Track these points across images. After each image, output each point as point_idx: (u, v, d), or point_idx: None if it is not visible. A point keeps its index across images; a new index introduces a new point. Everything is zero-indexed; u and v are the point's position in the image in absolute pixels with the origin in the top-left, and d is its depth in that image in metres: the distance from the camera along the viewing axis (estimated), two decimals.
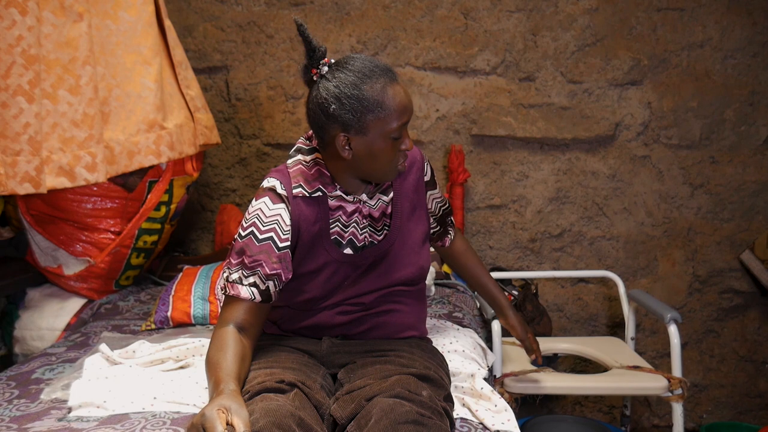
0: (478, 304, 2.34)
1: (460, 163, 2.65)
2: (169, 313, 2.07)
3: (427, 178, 1.54)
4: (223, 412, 1.04)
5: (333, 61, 1.32)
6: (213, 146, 2.59)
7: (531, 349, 1.75)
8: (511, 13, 2.65)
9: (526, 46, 2.66)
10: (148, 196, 2.28)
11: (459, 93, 2.71)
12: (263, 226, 1.33)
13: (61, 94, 1.93)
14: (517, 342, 2.32)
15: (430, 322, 1.80)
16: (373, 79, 1.28)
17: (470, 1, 2.66)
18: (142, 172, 2.23)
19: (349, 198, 1.40)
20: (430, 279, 2.33)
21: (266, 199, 1.35)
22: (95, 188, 2.15)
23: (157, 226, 2.35)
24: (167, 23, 2.36)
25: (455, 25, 2.67)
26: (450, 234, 1.70)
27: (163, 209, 2.34)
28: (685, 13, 2.60)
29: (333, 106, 1.27)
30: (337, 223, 1.40)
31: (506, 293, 2.55)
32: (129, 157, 2.11)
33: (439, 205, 1.61)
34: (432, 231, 1.61)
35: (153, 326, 2.06)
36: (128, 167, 2.11)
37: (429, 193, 1.56)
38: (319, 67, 1.31)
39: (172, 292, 2.13)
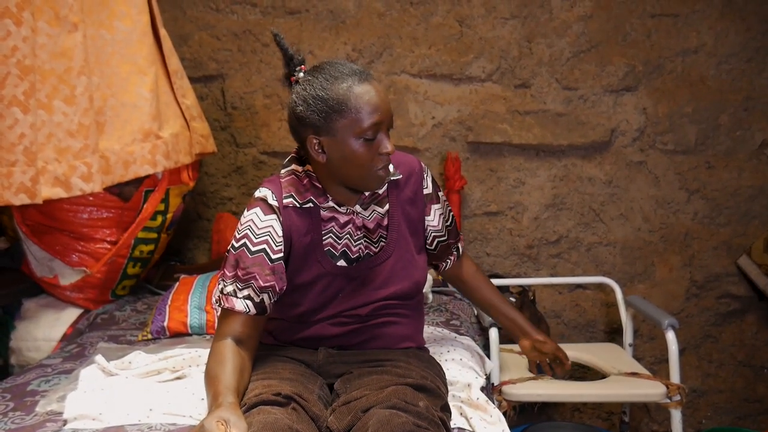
0: (476, 312, 2.34)
1: (457, 170, 2.65)
2: (165, 323, 2.06)
3: (427, 190, 1.50)
4: (222, 424, 1.04)
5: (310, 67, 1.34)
6: (209, 155, 2.59)
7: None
8: (506, 20, 2.66)
9: (521, 53, 2.67)
10: (144, 206, 2.27)
11: (455, 100, 2.72)
12: (256, 238, 1.32)
13: (57, 104, 1.92)
14: (516, 349, 2.31)
15: (427, 330, 1.79)
16: (340, 80, 1.27)
17: (465, 9, 2.66)
18: (138, 181, 2.23)
19: (342, 209, 1.39)
20: (427, 287, 2.32)
21: (257, 209, 1.34)
22: (91, 198, 2.15)
23: (154, 235, 2.35)
24: (162, 32, 2.36)
25: (450, 32, 2.68)
26: (451, 258, 1.61)
27: (159, 218, 2.34)
28: (679, 19, 2.61)
29: (300, 108, 1.29)
30: (330, 234, 1.39)
31: None
32: (124, 166, 2.11)
33: (444, 223, 1.54)
34: (432, 247, 1.54)
35: (149, 336, 2.05)
36: (124, 177, 2.11)
37: (433, 207, 1.51)
38: (296, 73, 1.34)
39: (169, 302, 2.12)
